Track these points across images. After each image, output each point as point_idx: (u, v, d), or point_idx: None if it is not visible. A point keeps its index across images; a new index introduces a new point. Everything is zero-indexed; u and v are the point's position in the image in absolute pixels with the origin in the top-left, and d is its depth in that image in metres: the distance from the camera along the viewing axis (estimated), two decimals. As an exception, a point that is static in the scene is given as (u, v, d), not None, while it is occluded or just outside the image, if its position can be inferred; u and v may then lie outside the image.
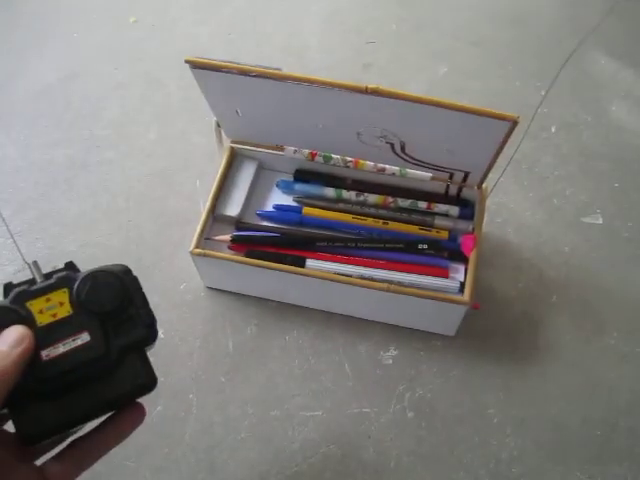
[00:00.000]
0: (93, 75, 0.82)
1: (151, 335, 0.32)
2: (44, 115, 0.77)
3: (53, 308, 0.30)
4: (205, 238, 0.58)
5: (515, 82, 0.80)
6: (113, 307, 0.31)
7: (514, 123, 0.46)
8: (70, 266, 0.32)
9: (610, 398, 0.56)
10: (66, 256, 0.62)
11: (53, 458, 0.32)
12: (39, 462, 0.32)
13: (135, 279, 0.32)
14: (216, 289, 0.62)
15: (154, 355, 0.58)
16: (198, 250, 0.55)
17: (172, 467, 0.53)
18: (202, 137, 0.74)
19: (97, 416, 0.31)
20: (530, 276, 0.63)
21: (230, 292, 0.62)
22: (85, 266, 0.63)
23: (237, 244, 0.58)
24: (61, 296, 0.30)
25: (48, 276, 0.31)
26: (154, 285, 0.62)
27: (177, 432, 0.54)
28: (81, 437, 0.33)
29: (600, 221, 0.67)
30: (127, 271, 0.32)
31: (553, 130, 0.75)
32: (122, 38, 0.86)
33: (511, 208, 0.68)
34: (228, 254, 0.56)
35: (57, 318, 0.30)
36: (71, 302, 0.30)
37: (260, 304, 0.61)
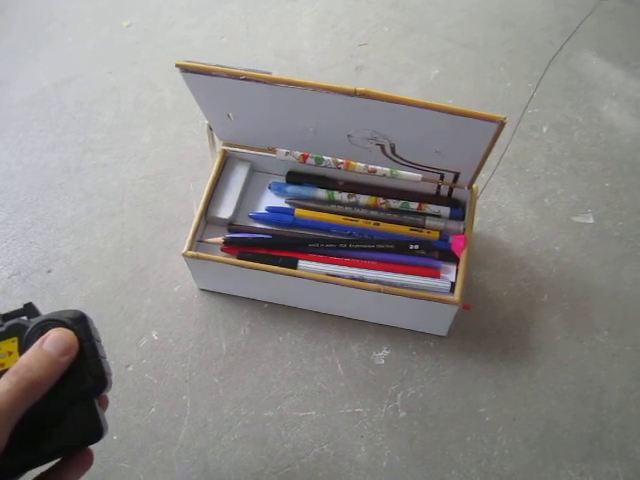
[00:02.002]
0: (87, 79, 0.82)
1: (98, 386, 0.32)
2: (38, 119, 0.78)
3: (2, 357, 0.30)
4: (198, 241, 0.58)
5: (506, 83, 0.80)
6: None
7: (502, 124, 0.47)
8: (28, 308, 0.32)
9: (601, 396, 0.57)
10: (61, 260, 0.63)
11: None
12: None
13: (87, 327, 0.32)
14: (209, 291, 0.63)
15: (148, 357, 0.59)
16: (191, 253, 0.56)
17: (166, 468, 0.53)
18: (195, 140, 0.75)
19: (43, 464, 0.31)
20: (521, 276, 0.64)
21: (223, 294, 0.63)
22: (79, 269, 0.64)
23: (229, 246, 0.58)
24: (10, 345, 0.30)
25: (5, 317, 0.31)
26: (148, 287, 0.63)
27: (171, 433, 0.55)
28: None
29: (591, 220, 0.67)
30: (79, 318, 0.32)
31: (544, 130, 0.75)
32: (116, 42, 0.86)
33: (502, 208, 0.68)
34: (221, 256, 0.56)
35: (5, 368, 0.29)
36: (19, 351, 0.30)
37: (253, 306, 0.62)
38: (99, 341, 0.33)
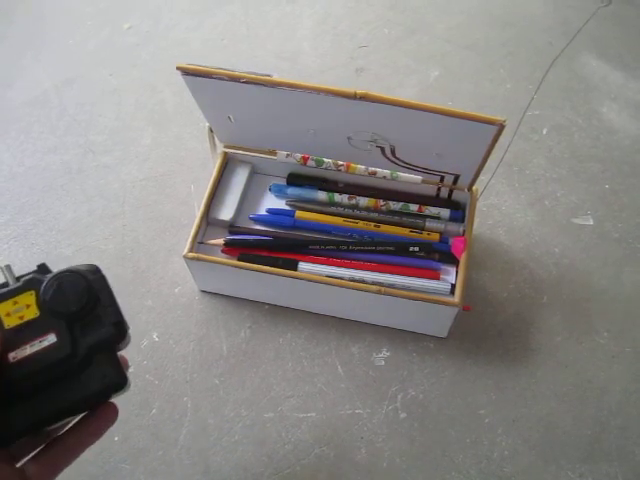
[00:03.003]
0: (88, 81, 0.82)
1: (119, 332, 0.32)
2: (39, 121, 0.78)
3: (20, 310, 0.30)
4: (199, 242, 0.59)
5: (506, 85, 0.81)
6: (79, 307, 0.30)
7: (501, 126, 0.47)
8: (42, 268, 0.32)
9: (600, 398, 0.57)
10: (62, 261, 0.63)
11: (31, 459, 0.32)
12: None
13: (102, 277, 0.32)
14: (210, 292, 0.63)
15: (149, 358, 0.59)
16: (192, 254, 0.56)
17: (167, 469, 0.53)
18: (196, 142, 0.75)
19: (67, 416, 0.31)
20: (521, 277, 0.64)
21: (224, 295, 0.63)
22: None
23: (230, 248, 0.58)
24: (28, 298, 0.30)
25: (20, 279, 0.31)
26: (149, 289, 0.63)
27: (172, 434, 0.55)
28: (57, 438, 0.32)
29: (591, 222, 0.68)
30: (94, 270, 0.32)
31: (544, 132, 0.76)
32: (117, 44, 0.87)
33: (502, 210, 0.69)
34: (221, 258, 0.57)
35: (24, 320, 0.30)
36: (38, 304, 0.30)
37: (254, 307, 0.62)
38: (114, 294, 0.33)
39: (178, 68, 0.50)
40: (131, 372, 0.58)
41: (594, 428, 0.55)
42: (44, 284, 0.30)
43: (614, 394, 0.57)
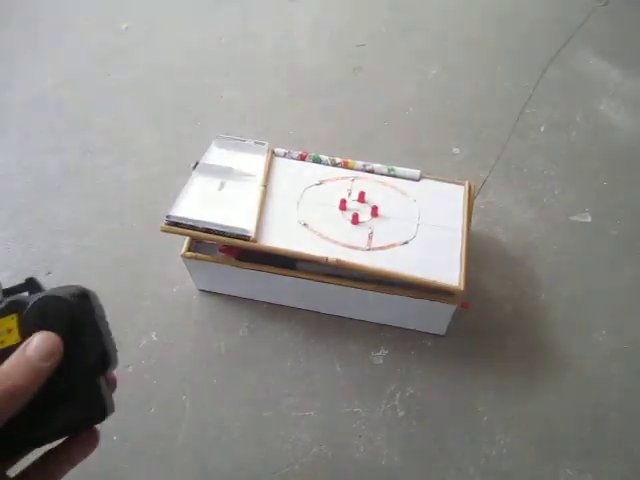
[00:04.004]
0: (86, 81, 0.82)
1: (102, 364, 0.30)
2: (38, 122, 0.78)
3: (1, 335, 0.28)
4: (197, 242, 0.58)
5: (504, 83, 0.81)
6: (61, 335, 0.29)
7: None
8: (30, 283, 0.31)
9: (599, 395, 0.57)
10: (60, 262, 0.63)
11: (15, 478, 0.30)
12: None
13: (88, 305, 0.30)
14: (208, 291, 0.63)
15: (147, 357, 0.59)
16: (190, 254, 0.56)
17: (165, 468, 0.53)
18: (194, 142, 0.75)
19: (47, 442, 0.31)
20: (519, 275, 0.64)
21: (222, 294, 0.63)
22: (78, 271, 0.64)
23: (229, 247, 0.58)
24: (9, 322, 0.29)
25: (7, 292, 0.30)
26: (147, 288, 0.63)
27: (170, 434, 0.55)
28: (38, 459, 0.31)
29: (589, 220, 0.68)
30: (81, 295, 0.30)
31: (542, 129, 0.76)
32: (115, 45, 0.87)
33: (500, 207, 0.69)
34: (219, 257, 0.56)
35: (5, 345, 0.28)
36: (20, 330, 0.28)
37: (252, 306, 0.62)
38: (103, 318, 0.31)
39: (162, 230, 0.54)
40: (130, 372, 0.58)
41: (593, 425, 0.55)
42: (27, 309, 0.29)
43: (613, 391, 0.57)
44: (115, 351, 0.32)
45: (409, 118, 0.78)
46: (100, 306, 0.32)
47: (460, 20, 0.89)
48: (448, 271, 0.53)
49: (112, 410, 0.31)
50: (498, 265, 0.64)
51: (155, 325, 0.61)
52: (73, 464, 0.32)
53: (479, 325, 0.61)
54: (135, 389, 0.57)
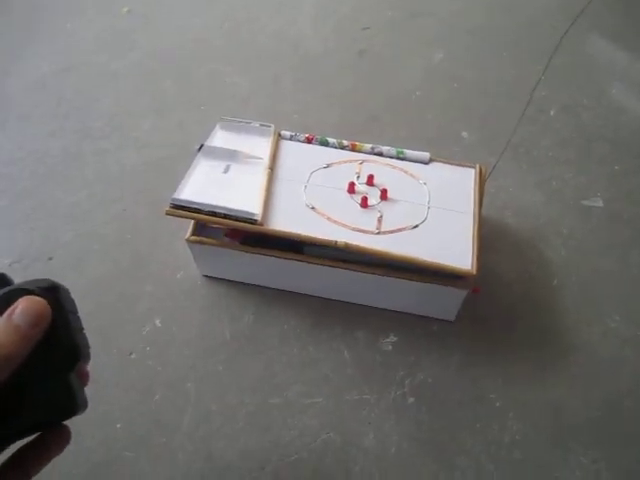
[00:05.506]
0: (86, 66, 0.81)
1: (69, 359, 0.30)
2: (39, 107, 0.77)
3: None
4: (201, 225, 0.57)
5: (511, 69, 0.79)
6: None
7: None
8: (0, 279, 0.30)
9: (612, 381, 0.55)
10: (61, 247, 0.62)
11: None
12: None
13: (57, 298, 0.29)
14: (213, 277, 0.62)
15: (151, 344, 0.58)
16: (194, 238, 0.55)
17: (170, 456, 0.52)
18: (197, 127, 0.74)
19: (17, 439, 0.30)
20: (530, 259, 0.63)
21: (227, 280, 0.62)
22: (80, 256, 0.63)
23: (234, 232, 0.57)
24: None
25: None
26: (150, 274, 0.61)
27: (175, 421, 0.54)
28: (10, 458, 0.30)
29: (600, 204, 0.66)
30: (49, 288, 0.29)
31: (552, 113, 0.74)
32: (115, 29, 0.85)
33: (510, 191, 0.67)
34: (225, 242, 0.55)
35: None
36: None
37: (257, 292, 0.61)
38: (74, 313, 0.31)
39: (167, 213, 0.53)
40: (133, 358, 0.57)
41: (606, 412, 0.54)
42: None
43: (625, 377, 0.56)
44: (87, 346, 0.31)
45: (416, 103, 0.77)
46: (71, 301, 0.31)
47: (467, 6, 0.88)
48: (460, 255, 0.52)
49: (84, 406, 0.30)
50: (508, 249, 0.63)
51: (159, 311, 0.60)
52: (46, 461, 0.31)
53: (488, 310, 0.59)
54: (138, 376, 0.56)
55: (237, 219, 0.51)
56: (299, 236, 0.51)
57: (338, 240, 0.51)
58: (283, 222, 0.52)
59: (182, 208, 0.52)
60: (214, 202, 0.52)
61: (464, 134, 0.73)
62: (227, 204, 0.52)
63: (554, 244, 0.64)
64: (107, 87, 0.78)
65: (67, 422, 0.30)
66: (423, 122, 0.75)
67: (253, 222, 0.51)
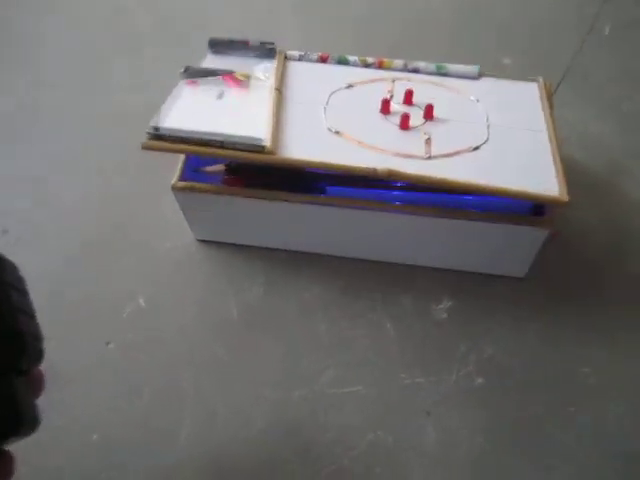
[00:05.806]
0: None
1: (16, 353, 0.24)
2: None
3: None
4: (193, 170, 0.45)
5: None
6: None
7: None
8: None
9: None
10: (18, 216, 0.51)
11: None
12: None
13: None
14: (210, 242, 0.50)
15: (134, 330, 0.45)
16: (182, 184, 0.42)
17: (165, 474, 0.39)
18: (177, 64, 0.62)
19: None
20: (607, 199, 0.52)
21: (228, 244, 0.50)
22: (41, 225, 0.50)
23: (235, 177, 0.44)
24: None
25: None
26: (131, 242, 0.50)
27: (169, 430, 0.41)
28: None
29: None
30: None
31: (607, 32, 0.63)
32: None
33: (571, 122, 0.57)
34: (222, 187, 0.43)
35: None
36: None
37: (267, 256, 0.49)
38: (24, 295, 0.26)
39: (144, 147, 0.41)
40: (111, 348, 0.44)
41: None
42: None
43: None
44: (39, 339, 0.26)
45: (446, 24, 0.67)
46: (19, 278, 0.26)
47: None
48: (540, 179, 0.40)
49: (35, 422, 0.25)
50: (582, 189, 0.51)
51: (143, 288, 0.48)
52: None
53: (566, 263, 0.48)
54: (120, 372, 0.43)
55: (238, 147, 0.38)
56: (323, 164, 0.38)
57: (378, 167, 0.38)
58: (300, 149, 0.40)
59: (165, 139, 0.40)
60: (206, 129, 0.39)
61: (506, 61, 0.62)
62: (224, 130, 0.39)
63: (634, 178, 0.53)
64: (68, 29, 0.67)
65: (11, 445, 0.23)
66: (455, 48, 0.65)
67: (260, 150, 0.38)
